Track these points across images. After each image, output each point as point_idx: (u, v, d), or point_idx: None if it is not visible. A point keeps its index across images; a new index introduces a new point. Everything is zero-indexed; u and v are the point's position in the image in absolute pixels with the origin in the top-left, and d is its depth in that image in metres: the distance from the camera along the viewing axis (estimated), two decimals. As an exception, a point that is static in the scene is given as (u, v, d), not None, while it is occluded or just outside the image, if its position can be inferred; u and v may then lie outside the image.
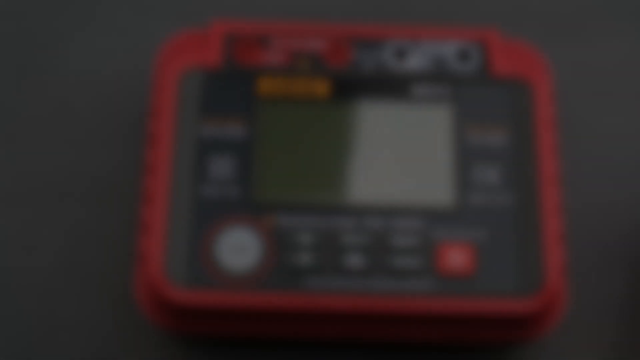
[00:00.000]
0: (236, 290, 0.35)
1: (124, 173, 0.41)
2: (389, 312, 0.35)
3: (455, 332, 0.36)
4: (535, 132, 0.37)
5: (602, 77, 0.43)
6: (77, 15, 0.43)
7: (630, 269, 0.40)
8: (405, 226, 0.36)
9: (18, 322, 0.39)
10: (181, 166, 0.36)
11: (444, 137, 0.37)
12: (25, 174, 0.41)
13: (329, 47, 0.38)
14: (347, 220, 0.36)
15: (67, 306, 0.40)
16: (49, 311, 0.40)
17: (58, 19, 0.43)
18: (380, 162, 0.36)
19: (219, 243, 0.35)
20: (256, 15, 0.43)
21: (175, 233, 0.35)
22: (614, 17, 0.44)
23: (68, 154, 0.41)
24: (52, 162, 0.41)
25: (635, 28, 0.43)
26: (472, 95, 0.37)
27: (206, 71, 0.37)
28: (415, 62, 0.38)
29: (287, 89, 0.37)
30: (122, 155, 0.41)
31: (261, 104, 0.37)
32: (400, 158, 0.37)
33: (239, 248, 0.35)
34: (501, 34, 0.43)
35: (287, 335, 0.37)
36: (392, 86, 0.37)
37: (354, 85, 0.37)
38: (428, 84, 0.37)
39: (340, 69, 0.38)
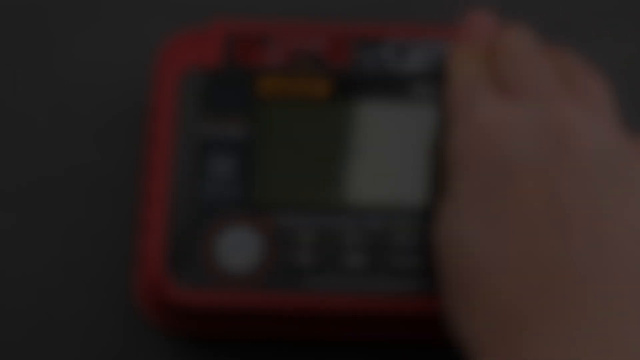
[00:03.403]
0: (236, 290, 0.35)
1: (124, 173, 0.41)
2: (389, 312, 0.35)
3: (455, 332, 0.36)
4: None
5: (602, 77, 0.43)
6: (77, 16, 0.43)
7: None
8: (405, 226, 0.36)
9: (18, 321, 0.39)
10: (181, 166, 0.36)
11: (443, 136, 0.37)
12: (25, 174, 0.41)
13: (329, 47, 0.38)
14: (347, 220, 0.36)
15: (67, 306, 0.40)
16: (48, 311, 0.40)
17: (58, 19, 0.43)
18: (380, 162, 0.36)
19: (219, 243, 0.35)
20: (256, 15, 0.43)
21: (175, 233, 0.35)
22: (614, 18, 0.44)
23: (68, 154, 0.41)
24: (51, 162, 0.41)
25: (635, 29, 0.43)
26: (472, 95, 0.37)
27: (206, 71, 0.37)
28: (415, 62, 0.38)
29: (287, 89, 0.37)
30: (122, 155, 0.41)
31: (261, 104, 0.37)
32: (400, 158, 0.37)
33: (239, 248, 0.35)
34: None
35: (287, 335, 0.37)
36: (392, 86, 0.37)
37: (354, 85, 0.37)
38: (428, 84, 0.37)
39: (340, 69, 0.38)
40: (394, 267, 0.35)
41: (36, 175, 0.41)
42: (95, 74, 0.42)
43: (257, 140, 0.37)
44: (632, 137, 0.34)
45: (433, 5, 0.44)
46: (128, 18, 0.43)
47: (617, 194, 0.31)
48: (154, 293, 0.35)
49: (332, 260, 0.35)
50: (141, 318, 0.39)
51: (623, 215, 0.31)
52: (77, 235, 0.40)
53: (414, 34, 0.38)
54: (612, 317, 0.29)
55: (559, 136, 0.32)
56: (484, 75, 0.36)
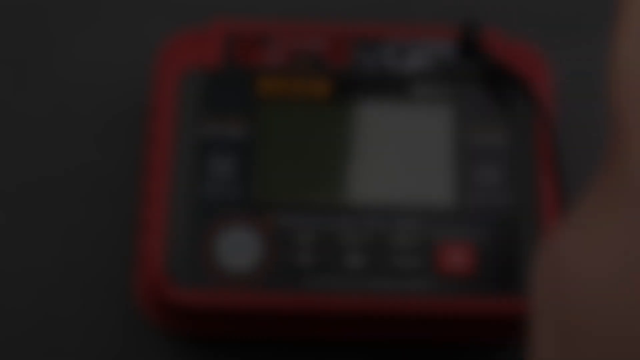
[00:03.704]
0: (236, 290, 0.35)
1: (124, 173, 0.41)
2: (389, 312, 0.35)
3: (455, 331, 0.36)
4: (535, 131, 0.37)
5: (602, 77, 0.43)
6: (77, 16, 0.43)
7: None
8: (405, 226, 0.36)
9: (17, 321, 0.39)
10: (181, 166, 0.36)
11: (444, 136, 0.37)
12: (25, 174, 0.41)
13: (329, 47, 0.38)
14: (347, 220, 0.36)
15: (67, 306, 0.40)
16: (49, 311, 0.40)
17: (58, 19, 0.43)
18: (380, 162, 0.36)
19: (219, 243, 0.35)
20: (256, 15, 0.43)
21: (175, 233, 0.35)
22: (613, 18, 0.44)
23: (68, 154, 0.41)
24: (52, 162, 0.41)
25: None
26: (472, 95, 0.37)
27: (206, 71, 0.37)
28: (415, 62, 0.38)
29: (287, 89, 0.37)
30: (122, 155, 0.41)
31: (261, 104, 0.37)
32: (400, 158, 0.37)
33: (239, 248, 0.35)
34: (501, 34, 0.43)
35: (287, 335, 0.37)
36: (392, 86, 0.37)
37: (354, 85, 0.37)
38: (428, 84, 0.37)
39: (340, 69, 0.38)
40: (394, 267, 0.35)
41: (36, 175, 0.41)
42: (95, 74, 0.42)
43: (257, 140, 0.37)
44: None
45: (433, 5, 0.44)
46: (128, 18, 0.43)
47: None
48: (154, 293, 0.35)
49: (332, 260, 0.35)
50: (141, 318, 0.39)
51: None
52: (77, 235, 0.40)
53: (414, 34, 0.38)
54: None
55: None
56: None
